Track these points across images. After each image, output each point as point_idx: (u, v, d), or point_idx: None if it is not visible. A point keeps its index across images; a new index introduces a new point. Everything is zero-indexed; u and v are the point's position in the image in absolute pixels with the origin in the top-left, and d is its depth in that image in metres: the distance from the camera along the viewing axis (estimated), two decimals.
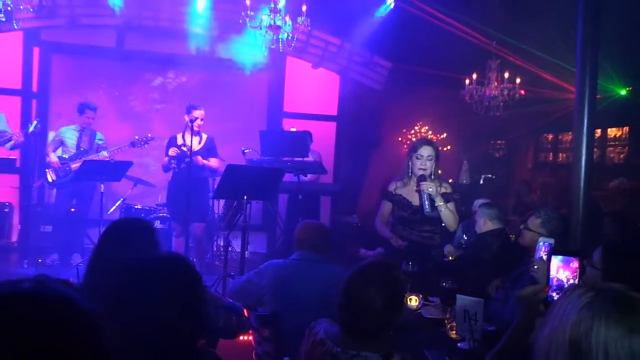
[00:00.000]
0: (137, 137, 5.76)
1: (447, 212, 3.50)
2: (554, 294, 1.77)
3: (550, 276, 1.79)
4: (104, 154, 5.62)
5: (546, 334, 1.05)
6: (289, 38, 5.15)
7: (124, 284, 1.33)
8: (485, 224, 3.76)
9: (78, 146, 5.74)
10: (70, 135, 5.77)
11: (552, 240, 2.41)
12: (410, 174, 3.66)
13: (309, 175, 5.92)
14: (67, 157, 5.71)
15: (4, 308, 0.65)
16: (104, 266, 1.93)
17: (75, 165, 5.58)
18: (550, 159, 8.47)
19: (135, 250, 1.98)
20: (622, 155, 7.40)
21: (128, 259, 1.79)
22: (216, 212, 6.13)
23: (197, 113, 5.14)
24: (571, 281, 1.83)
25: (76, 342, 0.67)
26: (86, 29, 6.64)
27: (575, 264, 1.81)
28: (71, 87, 6.98)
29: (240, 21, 5.13)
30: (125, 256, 1.90)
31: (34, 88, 6.85)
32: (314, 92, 7.42)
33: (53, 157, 5.63)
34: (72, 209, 5.83)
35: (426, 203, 3.44)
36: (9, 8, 4.72)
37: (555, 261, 1.80)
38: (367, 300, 1.57)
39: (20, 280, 0.70)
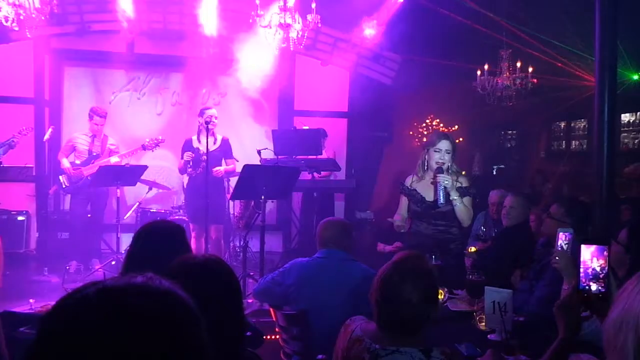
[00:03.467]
0: (148, 140, 5.79)
1: (461, 207, 3.46)
2: (591, 282, 1.77)
3: (584, 266, 1.79)
4: (116, 160, 5.65)
5: (616, 314, 1.04)
6: (299, 36, 5.14)
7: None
8: (525, 213, 3.74)
9: (90, 151, 5.78)
10: (82, 140, 5.81)
11: (571, 230, 2.40)
12: (425, 168, 3.64)
13: (321, 172, 5.93)
14: (79, 162, 5.75)
15: (123, 298, 0.69)
16: (141, 270, 1.94)
17: (88, 171, 5.62)
18: (563, 147, 8.41)
19: (169, 251, 1.99)
20: (636, 141, 7.33)
21: (166, 263, 1.82)
22: (232, 213, 6.15)
23: (211, 112, 5.17)
24: (605, 269, 1.83)
25: (185, 333, 0.71)
26: (96, 35, 6.67)
27: (606, 252, 1.82)
28: (83, 93, 7.03)
29: (250, 21, 5.13)
30: (160, 258, 1.92)
31: (46, 96, 6.90)
32: (324, 89, 7.40)
33: (65, 163, 5.68)
34: (88, 215, 5.88)
35: (441, 195, 3.42)
36: (21, 17, 4.74)
37: (588, 251, 1.80)
38: (405, 295, 1.57)
39: (133, 275, 0.75)
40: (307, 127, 6.05)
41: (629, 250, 2.32)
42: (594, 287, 1.81)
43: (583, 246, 1.88)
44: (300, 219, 6.28)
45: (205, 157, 4.87)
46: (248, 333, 2.15)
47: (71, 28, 6.53)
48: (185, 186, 6.11)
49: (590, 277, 1.81)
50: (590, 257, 1.85)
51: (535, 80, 6.16)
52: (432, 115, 7.80)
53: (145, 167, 5.63)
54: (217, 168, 5.22)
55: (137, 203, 6.31)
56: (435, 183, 3.47)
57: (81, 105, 6.71)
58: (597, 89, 3.22)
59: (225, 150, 5.33)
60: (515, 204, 3.80)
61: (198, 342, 0.71)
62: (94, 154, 5.79)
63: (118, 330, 0.65)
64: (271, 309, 2.75)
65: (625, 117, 7.39)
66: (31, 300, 3.97)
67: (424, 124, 7.79)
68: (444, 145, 3.55)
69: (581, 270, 1.85)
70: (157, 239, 2.07)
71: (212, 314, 1.27)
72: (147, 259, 1.97)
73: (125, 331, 0.65)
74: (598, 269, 1.85)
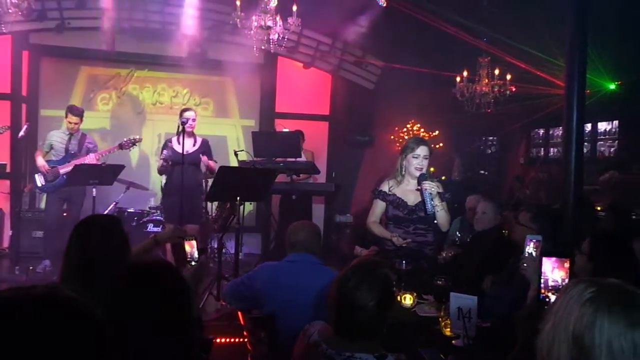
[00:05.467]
0: (125, 139, 5.73)
1: (442, 213, 3.52)
2: (550, 293, 1.79)
3: (544, 277, 1.81)
4: (91, 157, 5.58)
5: (548, 329, 1.06)
6: (280, 38, 5.14)
7: (114, 292, 1.33)
8: (496, 219, 3.79)
9: (67, 149, 5.70)
10: (58, 138, 5.73)
11: (539, 237, 2.43)
12: (403, 173, 3.67)
13: (300, 175, 5.92)
14: (56, 160, 5.67)
15: (17, 312, 0.68)
16: (82, 269, 1.96)
17: (64, 169, 5.54)
18: (542, 153, 8.51)
19: (106, 244, 2.03)
20: (612, 149, 7.44)
21: (103, 256, 1.84)
22: (210, 214, 6.11)
23: (189, 114, 5.13)
24: (566, 280, 1.85)
25: (83, 346, 0.70)
26: (76, 32, 6.60)
27: (567, 264, 1.84)
28: (61, 91, 6.94)
29: (231, 22, 5.12)
30: (98, 252, 1.96)
31: (24, 92, 6.80)
32: (306, 91, 7.42)
33: (40, 161, 5.59)
34: (64, 214, 5.79)
35: (429, 203, 3.45)
36: None
37: (549, 262, 1.82)
38: (360, 301, 1.57)
39: (33, 286, 0.73)
40: (286, 130, 6.05)
41: (591, 259, 2.35)
42: (553, 298, 1.82)
43: (544, 258, 1.90)
44: (279, 222, 6.26)
45: (182, 158, 4.83)
46: (210, 336, 2.14)
47: (50, 24, 6.45)
48: (163, 186, 6.06)
49: (550, 288, 1.83)
50: (551, 269, 1.87)
51: (513, 88, 6.23)
52: (413, 120, 7.84)
53: (122, 167, 5.57)
54: (205, 158, 5.16)
55: (114, 203, 6.24)
56: (421, 190, 3.51)
57: (59, 103, 6.63)
58: (565, 97, 3.28)
59: (204, 151, 5.29)
60: (487, 209, 3.85)
61: (98, 353, 0.70)
62: (71, 152, 5.71)
63: (10, 345, 0.64)
64: (239, 312, 2.73)
65: (602, 126, 7.51)
66: None
67: (405, 129, 7.82)
68: (423, 151, 3.59)
69: (541, 281, 1.86)
70: (93, 233, 2.09)
71: (156, 319, 1.27)
72: (85, 254, 2.00)
73: (17, 345, 0.64)
74: (559, 280, 1.87)
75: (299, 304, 2.62)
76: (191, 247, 2.32)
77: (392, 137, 7.88)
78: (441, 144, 7.81)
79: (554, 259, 1.83)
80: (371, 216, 3.72)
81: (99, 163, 5.55)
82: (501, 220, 3.91)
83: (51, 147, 5.74)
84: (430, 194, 3.47)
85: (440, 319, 2.54)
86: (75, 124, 5.66)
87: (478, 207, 3.93)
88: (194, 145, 5.20)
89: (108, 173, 5.42)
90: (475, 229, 3.97)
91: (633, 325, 0.99)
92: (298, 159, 5.70)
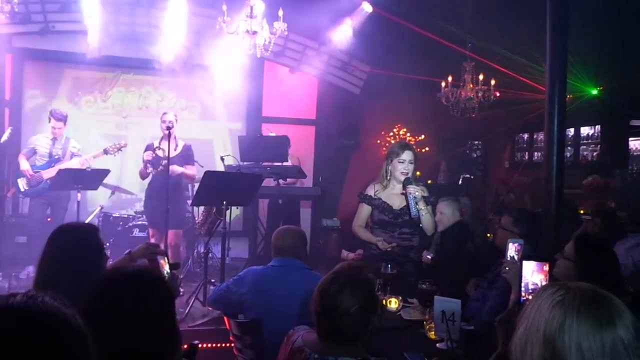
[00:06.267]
0: (110, 144, 5.68)
1: (428, 217, 3.56)
2: (530, 297, 1.82)
3: (525, 280, 1.84)
4: (76, 161, 5.53)
5: (520, 334, 1.09)
6: (266, 43, 5.15)
7: (97, 298, 1.32)
8: (455, 216, 3.83)
9: (50, 154, 5.63)
10: (42, 143, 5.66)
11: (521, 241, 2.47)
12: (389, 178, 3.70)
13: (287, 179, 5.93)
14: (39, 165, 5.61)
15: None
16: (56, 278, 1.96)
17: (48, 174, 5.48)
18: (527, 158, 8.62)
19: (81, 253, 2.04)
20: (595, 153, 7.56)
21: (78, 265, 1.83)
22: (197, 218, 6.09)
23: (169, 117, 5.09)
24: (545, 283, 1.89)
25: (66, 355, 0.69)
26: (60, 35, 6.55)
27: (546, 267, 1.88)
28: (45, 95, 6.87)
29: (217, 27, 5.11)
30: (72, 264, 1.98)
31: (7, 96, 6.72)
32: (293, 96, 7.43)
33: (24, 165, 5.52)
34: (49, 219, 5.72)
35: (413, 207, 3.49)
36: None
37: (529, 266, 1.86)
38: (343, 306, 1.58)
39: (12, 294, 0.72)
40: (273, 134, 6.05)
41: (572, 262, 2.38)
42: None
43: (524, 261, 1.94)
44: (266, 226, 6.27)
45: (165, 161, 4.81)
46: (196, 341, 2.14)
47: (34, 27, 6.40)
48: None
49: (530, 291, 1.86)
50: (531, 272, 1.91)
51: (497, 93, 6.31)
52: (399, 125, 7.90)
53: (107, 171, 5.52)
54: (176, 167, 5.11)
55: (99, 207, 6.19)
56: (405, 194, 3.54)
57: (43, 107, 6.57)
58: (547, 102, 3.34)
59: (186, 156, 5.25)
60: (443, 209, 3.90)
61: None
62: (55, 156, 5.65)
63: None
64: (225, 317, 2.73)
65: (585, 130, 7.63)
66: None
67: (391, 133, 7.88)
68: (408, 155, 3.63)
69: (522, 285, 1.90)
70: (68, 242, 2.09)
71: (138, 329, 1.26)
72: (58, 262, 2.02)
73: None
74: (538, 282, 1.91)
75: (285, 309, 2.63)
76: (164, 263, 2.35)
77: (378, 141, 7.93)
78: (427, 148, 7.87)
79: (533, 263, 1.87)
80: (357, 220, 3.74)
81: (84, 168, 5.50)
82: (461, 217, 3.95)
83: (34, 152, 5.67)
84: (415, 197, 3.50)
85: (424, 323, 2.57)
86: (59, 128, 5.60)
87: (437, 208, 3.96)
88: (175, 149, 5.16)
89: (93, 178, 5.38)
90: (438, 230, 4.01)
91: (601, 326, 1.02)
92: (285, 163, 5.71)
